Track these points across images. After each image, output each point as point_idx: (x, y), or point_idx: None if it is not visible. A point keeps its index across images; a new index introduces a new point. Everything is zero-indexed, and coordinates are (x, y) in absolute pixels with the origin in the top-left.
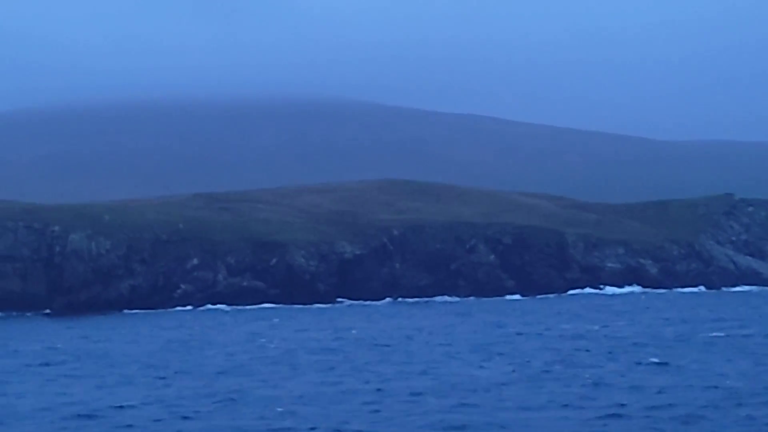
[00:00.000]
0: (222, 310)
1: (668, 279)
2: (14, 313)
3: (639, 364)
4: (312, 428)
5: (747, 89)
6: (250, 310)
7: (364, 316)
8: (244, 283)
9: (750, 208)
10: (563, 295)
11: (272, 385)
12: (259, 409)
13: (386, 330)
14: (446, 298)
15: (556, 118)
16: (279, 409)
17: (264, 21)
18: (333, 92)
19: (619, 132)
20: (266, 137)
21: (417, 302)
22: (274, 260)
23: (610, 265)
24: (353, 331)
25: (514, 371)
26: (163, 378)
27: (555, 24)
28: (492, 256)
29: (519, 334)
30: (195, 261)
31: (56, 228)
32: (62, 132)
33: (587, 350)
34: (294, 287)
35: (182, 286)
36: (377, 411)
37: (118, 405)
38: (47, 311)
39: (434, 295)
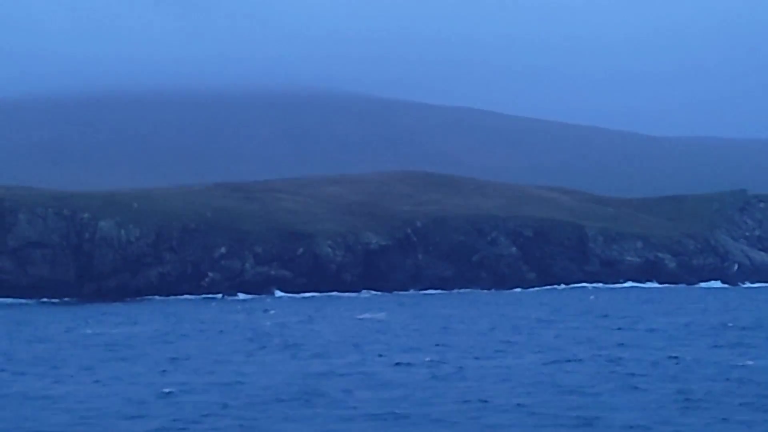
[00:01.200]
0: (272, 298)
1: (686, 273)
2: (44, 299)
3: None
4: None
5: (756, 86)
6: (296, 299)
7: (447, 304)
8: (272, 272)
9: (762, 204)
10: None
11: None
12: None
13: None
14: (469, 289)
15: (550, 112)
16: None
17: (259, 12)
18: (326, 84)
19: (617, 128)
20: (262, 128)
21: (446, 293)
22: (300, 250)
23: (629, 258)
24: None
25: None
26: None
27: (548, 19)
28: (514, 249)
29: (651, 330)
30: (223, 250)
31: (85, 215)
32: (59, 119)
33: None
34: (320, 277)
35: (210, 274)
36: None
37: None
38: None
39: (457, 287)
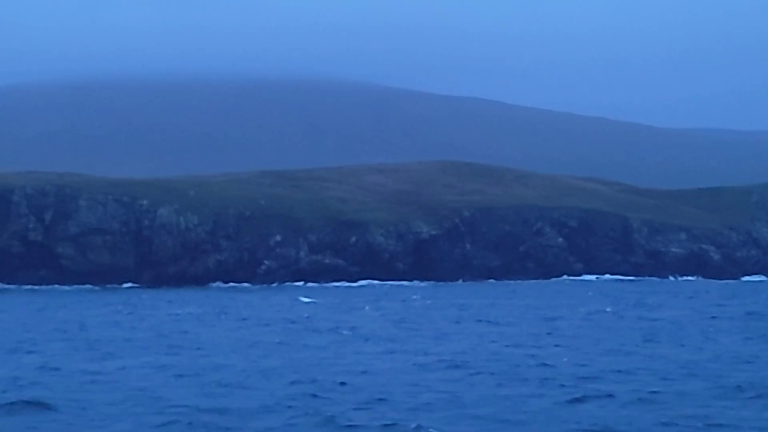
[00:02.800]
0: (336, 287)
1: (730, 266)
2: (107, 285)
3: None
4: None
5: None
6: (358, 287)
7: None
8: (326, 261)
9: None
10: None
11: None
12: None
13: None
14: (518, 280)
15: (555, 103)
16: None
17: (272, 3)
18: (335, 73)
19: (622, 119)
20: (274, 117)
21: (497, 283)
22: (353, 238)
23: (674, 250)
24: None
25: None
26: None
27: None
28: (560, 239)
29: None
30: (278, 237)
31: (144, 202)
32: (70, 107)
33: None
34: (373, 265)
35: (266, 262)
36: None
37: None
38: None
39: (504, 277)
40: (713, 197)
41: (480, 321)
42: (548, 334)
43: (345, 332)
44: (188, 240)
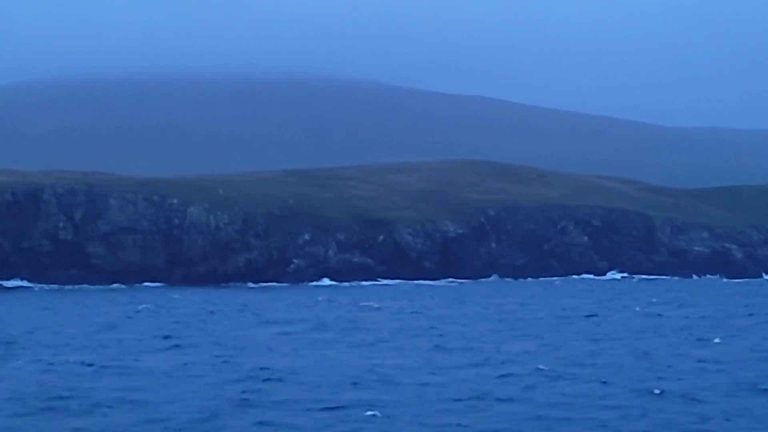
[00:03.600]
0: (367, 285)
1: (753, 264)
2: (135, 284)
3: None
4: None
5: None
6: (391, 285)
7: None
8: (355, 259)
9: None
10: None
11: None
12: None
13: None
14: (546, 277)
15: (562, 102)
16: None
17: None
18: (341, 72)
19: (626, 118)
20: (275, 115)
21: (527, 281)
22: (381, 237)
23: (697, 248)
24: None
25: None
26: None
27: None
28: (585, 238)
29: None
30: (306, 236)
31: (174, 201)
32: (77, 105)
33: None
34: (401, 264)
35: (295, 261)
36: None
37: None
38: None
39: (530, 275)
40: (733, 196)
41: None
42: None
43: None
44: (218, 239)
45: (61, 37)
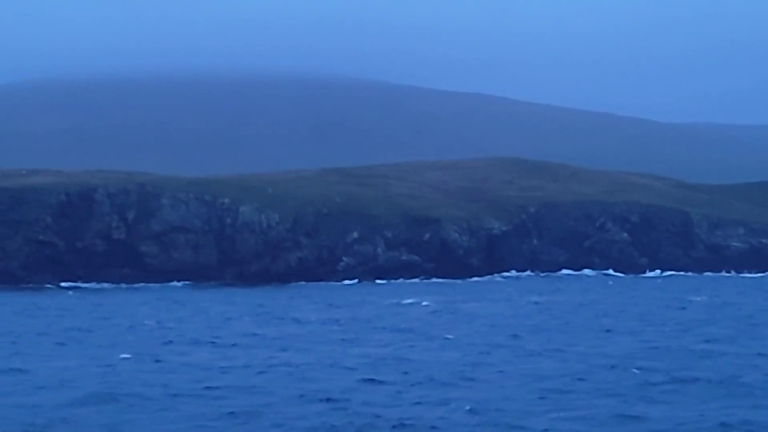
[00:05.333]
0: (415, 283)
1: None
2: (188, 283)
3: None
4: None
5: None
6: (444, 283)
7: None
8: (403, 257)
9: None
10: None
11: None
12: None
13: None
14: (587, 272)
15: (560, 99)
16: None
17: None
18: (341, 70)
19: (626, 115)
20: (279, 114)
21: (568, 277)
22: (427, 235)
23: (734, 244)
24: None
25: None
26: None
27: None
28: (624, 234)
29: None
30: (355, 235)
31: (226, 200)
32: (81, 104)
33: None
34: (448, 262)
35: (344, 259)
36: None
37: None
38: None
39: (571, 271)
40: (763, 191)
41: None
42: None
43: None
44: (270, 238)
45: (63, 36)
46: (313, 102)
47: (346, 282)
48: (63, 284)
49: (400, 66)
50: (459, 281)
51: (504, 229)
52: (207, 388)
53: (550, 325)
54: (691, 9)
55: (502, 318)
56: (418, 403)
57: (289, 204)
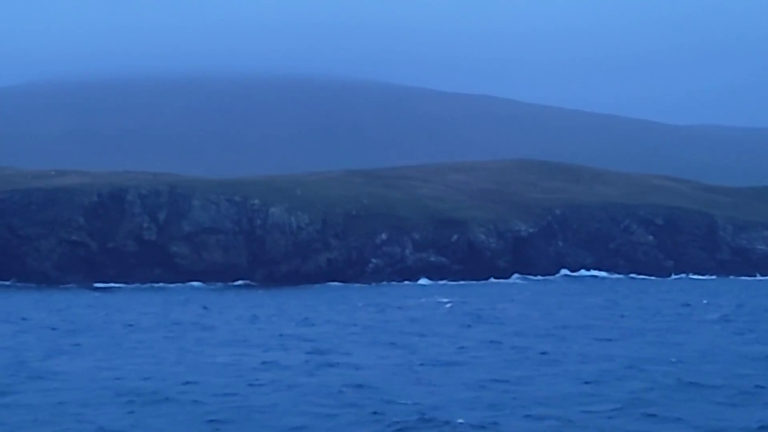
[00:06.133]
0: (450, 285)
1: None
2: (219, 284)
3: None
4: None
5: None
6: (474, 285)
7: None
8: (431, 259)
9: None
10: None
11: None
12: None
13: None
14: (612, 275)
15: (560, 99)
16: None
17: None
18: (345, 71)
19: (632, 116)
20: (285, 116)
21: (594, 280)
22: (455, 237)
23: (759, 247)
24: None
25: None
26: None
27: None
28: (650, 237)
29: None
30: (384, 236)
31: (256, 201)
32: (86, 106)
33: None
34: (475, 263)
35: (373, 260)
36: None
37: None
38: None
39: (597, 274)
40: None
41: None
42: None
43: None
44: (300, 239)
45: (67, 39)
46: (319, 104)
47: (374, 283)
48: (96, 285)
49: (405, 67)
50: (488, 282)
51: (530, 230)
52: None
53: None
54: (679, 6)
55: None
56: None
57: (317, 205)
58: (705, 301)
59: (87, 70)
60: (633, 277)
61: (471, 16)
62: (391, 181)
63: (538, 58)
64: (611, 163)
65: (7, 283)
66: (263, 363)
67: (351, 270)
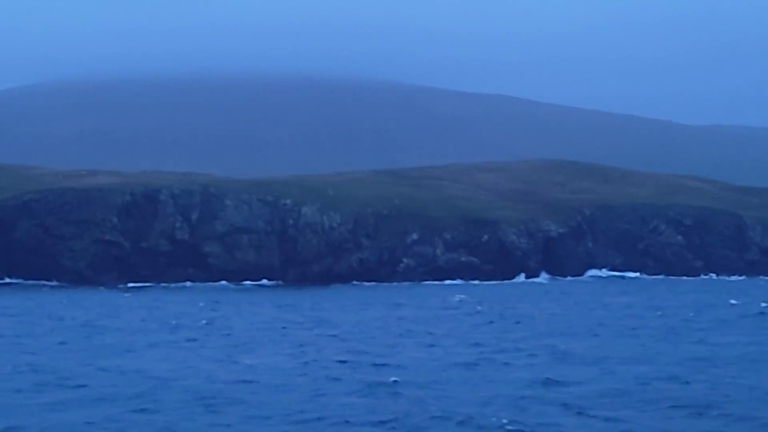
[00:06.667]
0: (480, 285)
1: None
2: (249, 283)
3: None
4: None
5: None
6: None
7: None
8: (462, 259)
9: None
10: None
11: None
12: None
13: None
14: (644, 276)
15: (581, 100)
16: None
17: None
18: (360, 71)
19: (651, 116)
20: (300, 117)
21: (622, 281)
22: (485, 236)
23: None
24: None
25: None
26: None
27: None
28: (679, 237)
29: None
30: (415, 236)
31: (288, 201)
32: (101, 107)
33: None
34: (506, 263)
35: (404, 260)
36: None
37: None
38: (277, 282)
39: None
40: None
41: None
42: None
43: None
44: (332, 239)
45: (82, 39)
46: (337, 104)
47: (406, 282)
48: (130, 284)
49: (421, 68)
50: (520, 281)
51: (561, 231)
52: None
53: None
54: (690, 7)
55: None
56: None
57: (349, 205)
58: (738, 301)
59: (102, 70)
60: (663, 278)
61: (486, 18)
62: (419, 181)
63: (553, 58)
64: (632, 163)
65: (50, 283)
66: (305, 362)
67: (383, 270)
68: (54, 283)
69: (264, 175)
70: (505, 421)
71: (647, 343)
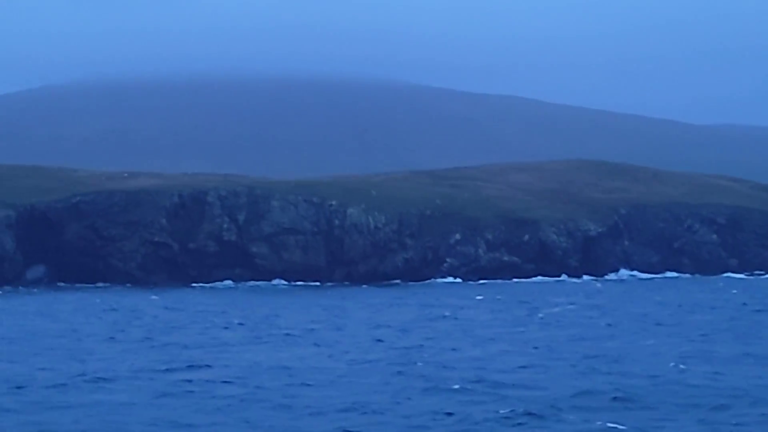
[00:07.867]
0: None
1: None
2: (299, 283)
3: None
4: None
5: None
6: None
7: None
8: (504, 258)
9: None
10: None
11: None
12: None
13: None
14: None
15: (587, 101)
16: None
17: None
18: (376, 73)
19: (655, 116)
20: (311, 116)
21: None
22: (526, 236)
23: None
24: None
25: None
26: None
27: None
28: (714, 236)
29: None
30: (457, 236)
31: (333, 202)
32: (117, 108)
33: None
34: (547, 262)
35: (448, 260)
36: None
37: None
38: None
39: (662, 273)
40: None
41: None
42: None
43: None
44: (378, 239)
45: (96, 40)
46: (349, 106)
47: (450, 280)
48: (179, 285)
49: (431, 70)
50: (562, 281)
51: (599, 230)
52: None
53: None
54: (687, 10)
55: None
56: None
57: (393, 206)
58: None
59: (114, 73)
60: (698, 276)
61: (486, 21)
62: (456, 182)
63: (553, 60)
64: (653, 162)
65: (102, 285)
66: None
67: (427, 269)
68: (103, 284)
69: (306, 176)
70: None
71: None
